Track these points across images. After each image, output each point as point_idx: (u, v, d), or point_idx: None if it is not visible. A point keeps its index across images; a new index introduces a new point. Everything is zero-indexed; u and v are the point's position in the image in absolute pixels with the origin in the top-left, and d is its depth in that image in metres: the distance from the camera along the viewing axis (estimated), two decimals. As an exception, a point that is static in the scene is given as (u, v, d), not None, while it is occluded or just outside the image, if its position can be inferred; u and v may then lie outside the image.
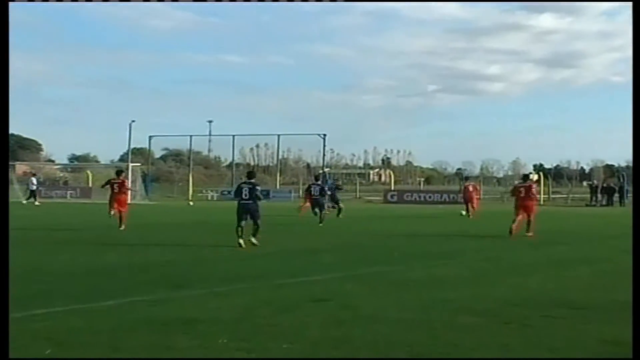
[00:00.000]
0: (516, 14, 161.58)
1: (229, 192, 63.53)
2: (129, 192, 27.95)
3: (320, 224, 26.52)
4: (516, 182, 28.86)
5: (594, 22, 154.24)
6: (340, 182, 51.63)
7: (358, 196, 66.22)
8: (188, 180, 62.97)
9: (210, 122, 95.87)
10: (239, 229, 18.01)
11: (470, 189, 35.53)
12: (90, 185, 62.43)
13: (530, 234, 21.68)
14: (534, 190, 23.60)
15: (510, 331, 7.76)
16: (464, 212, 33.98)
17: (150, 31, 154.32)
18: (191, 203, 51.92)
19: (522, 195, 22.73)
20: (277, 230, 23.79)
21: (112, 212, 23.79)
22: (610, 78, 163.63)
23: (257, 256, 15.67)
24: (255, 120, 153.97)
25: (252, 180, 18.77)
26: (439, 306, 9.15)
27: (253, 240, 17.94)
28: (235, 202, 18.65)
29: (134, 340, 7.24)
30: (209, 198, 62.66)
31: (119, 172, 26.06)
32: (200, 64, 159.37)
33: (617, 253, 16.73)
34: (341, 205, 32.75)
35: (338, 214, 31.61)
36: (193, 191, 60.93)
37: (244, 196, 18.55)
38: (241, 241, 17.69)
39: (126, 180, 26.78)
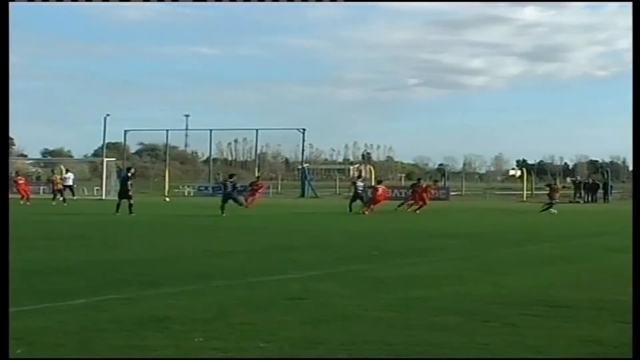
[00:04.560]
0: (499, 6, 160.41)
1: (206, 188, 63.64)
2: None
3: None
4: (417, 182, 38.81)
5: (578, 14, 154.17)
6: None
7: (338, 192, 66.04)
8: (164, 176, 62.56)
9: (187, 116, 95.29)
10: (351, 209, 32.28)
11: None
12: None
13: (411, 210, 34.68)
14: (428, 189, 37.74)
15: (491, 330, 7.65)
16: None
17: (118, 22, 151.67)
18: (167, 199, 51.57)
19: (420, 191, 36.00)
20: (250, 228, 23.66)
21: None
22: (594, 72, 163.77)
23: (231, 254, 15.48)
24: (233, 114, 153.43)
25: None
26: (417, 305, 9.03)
27: (366, 212, 31.54)
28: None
29: (105, 340, 7.08)
30: (186, 194, 62.28)
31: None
32: (172, 57, 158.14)
33: (602, 252, 16.63)
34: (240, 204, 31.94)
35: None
36: (169, 187, 60.58)
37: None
38: (366, 212, 31.57)
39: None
